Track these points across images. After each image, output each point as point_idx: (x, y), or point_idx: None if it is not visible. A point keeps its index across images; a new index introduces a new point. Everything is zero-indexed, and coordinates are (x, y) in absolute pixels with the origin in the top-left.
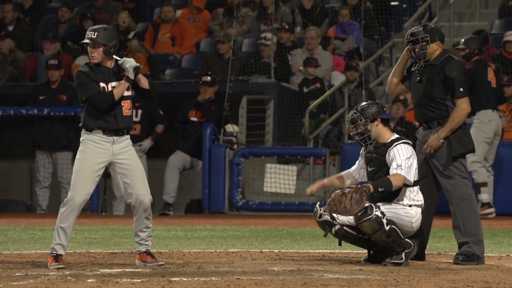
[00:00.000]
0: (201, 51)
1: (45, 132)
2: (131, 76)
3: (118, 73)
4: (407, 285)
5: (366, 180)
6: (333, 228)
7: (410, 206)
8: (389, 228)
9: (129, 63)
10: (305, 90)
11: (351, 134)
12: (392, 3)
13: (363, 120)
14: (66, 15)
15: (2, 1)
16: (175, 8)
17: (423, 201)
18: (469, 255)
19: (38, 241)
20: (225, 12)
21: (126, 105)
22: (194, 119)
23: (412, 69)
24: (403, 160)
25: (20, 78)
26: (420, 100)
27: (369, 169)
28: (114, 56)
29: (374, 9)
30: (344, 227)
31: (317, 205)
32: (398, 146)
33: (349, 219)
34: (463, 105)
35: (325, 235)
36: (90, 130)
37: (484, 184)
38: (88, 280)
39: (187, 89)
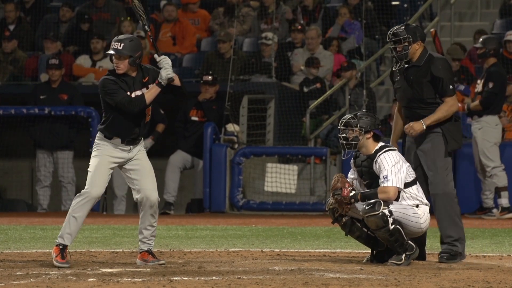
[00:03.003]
0: (202, 50)
1: (45, 132)
2: (164, 83)
3: (141, 82)
4: (408, 284)
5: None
6: (343, 219)
7: (417, 206)
8: (393, 228)
9: (166, 71)
10: (305, 89)
11: (338, 134)
12: (393, 3)
13: (358, 128)
14: (67, 15)
15: (3, 0)
16: (168, 7)
17: (424, 198)
18: (453, 254)
19: (39, 240)
20: (225, 12)
21: (147, 112)
22: (195, 118)
23: (393, 69)
24: (388, 170)
25: (21, 78)
26: (410, 102)
27: (364, 182)
28: (154, 55)
29: (375, 8)
30: (353, 219)
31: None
32: (381, 156)
33: (357, 215)
34: (452, 101)
35: (333, 222)
36: (109, 138)
37: (504, 189)
38: (89, 279)
39: (188, 88)
